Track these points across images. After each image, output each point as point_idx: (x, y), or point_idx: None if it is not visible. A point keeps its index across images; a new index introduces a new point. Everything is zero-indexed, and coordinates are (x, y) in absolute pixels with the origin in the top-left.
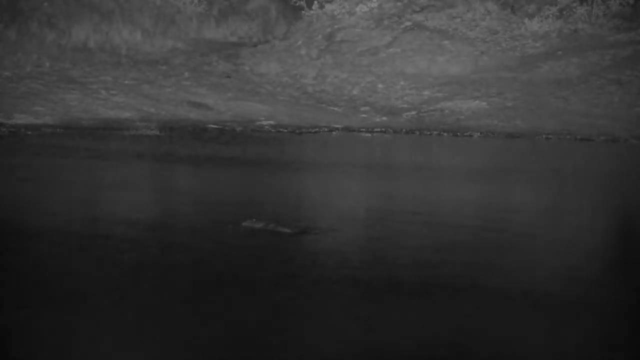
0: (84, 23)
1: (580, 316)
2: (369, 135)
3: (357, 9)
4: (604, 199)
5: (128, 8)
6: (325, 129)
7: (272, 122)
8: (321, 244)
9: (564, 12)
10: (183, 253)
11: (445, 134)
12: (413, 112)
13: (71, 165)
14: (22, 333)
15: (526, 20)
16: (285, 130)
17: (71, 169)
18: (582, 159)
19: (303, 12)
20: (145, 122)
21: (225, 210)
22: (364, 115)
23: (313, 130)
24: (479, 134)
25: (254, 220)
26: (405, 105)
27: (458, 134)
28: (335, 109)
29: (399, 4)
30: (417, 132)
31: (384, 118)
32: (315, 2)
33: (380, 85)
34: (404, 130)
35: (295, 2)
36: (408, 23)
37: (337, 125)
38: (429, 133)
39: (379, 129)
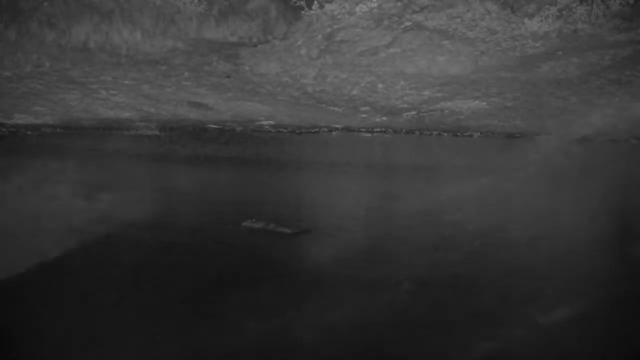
0: (84, 23)
1: (586, 320)
2: (369, 135)
3: (357, 9)
4: (604, 200)
5: (128, 8)
6: (325, 129)
7: (272, 122)
8: (321, 244)
9: (564, 12)
10: (183, 253)
11: (445, 134)
12: (413, 112)
13: (71, 165)
14: (22, 333)
15: (526, 20)
16: (285, 130)
17: (71, 169)
18: (582, 159)
19: (303, 12)
20: (145, 122)
21: (225, 210)
22: (364, 115)
23: (313, 130)
24: (479, 134)
25: (254, 220)
26: (405, 105)
27: (458, 134)
28: (335, 109)
29: (399, 4)
30: (417, 132)
31: (384, 118)
32: (315, 2)
33: (380, 85)
34: (404, 130)
35: (295, 2)
36: (408, 23)
37: (337, 125)
38: (429, 133)
39: (379, 129)
